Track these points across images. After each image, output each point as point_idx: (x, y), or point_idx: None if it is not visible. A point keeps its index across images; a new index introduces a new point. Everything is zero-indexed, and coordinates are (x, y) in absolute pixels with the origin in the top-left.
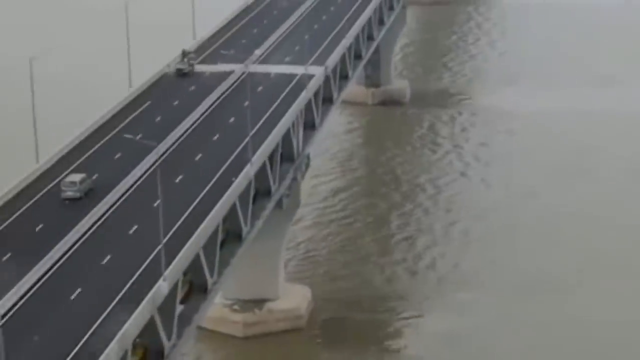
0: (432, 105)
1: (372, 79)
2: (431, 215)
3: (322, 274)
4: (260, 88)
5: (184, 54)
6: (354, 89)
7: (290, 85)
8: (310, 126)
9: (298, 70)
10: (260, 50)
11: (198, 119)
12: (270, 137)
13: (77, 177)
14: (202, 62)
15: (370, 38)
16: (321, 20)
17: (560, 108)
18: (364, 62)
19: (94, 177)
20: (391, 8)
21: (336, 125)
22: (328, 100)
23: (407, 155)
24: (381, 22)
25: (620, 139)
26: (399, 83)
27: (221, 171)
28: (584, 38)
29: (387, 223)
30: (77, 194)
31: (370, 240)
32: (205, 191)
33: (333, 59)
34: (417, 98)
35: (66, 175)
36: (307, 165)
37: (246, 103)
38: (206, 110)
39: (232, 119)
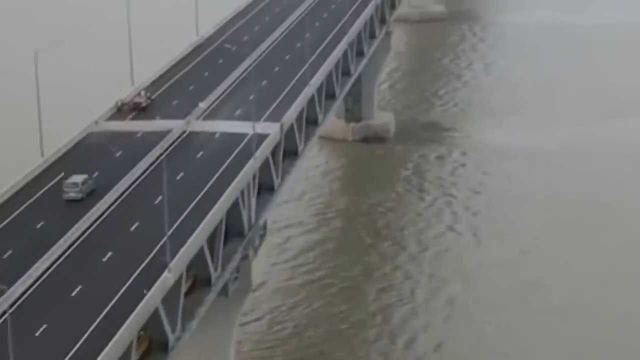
0: (419, 141)
1: (353, 113)
2: (413, 279)
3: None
4: (200, 154)
5: (119, 106)
6: (333, 123)
7: (238, 149)
8: (268, 188)
9: (249, 128)
10: (207, 102)
11: (111, 205)
12: (197, 233)
13: (79, 178)
14: (138, 116)
15: (347, 73)
16: (288, 57)
17: (564, 145)
18: (337, 102)
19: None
20: (372, 36)
21: (312, 165)
22: (292, 154)
23: (389, 202)
24: (360, 54)
25: (633, 180)
26: (382, 117)
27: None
28: (586, 62)
29: (363, 289)
30: (79, 195)
31: (344, 311)
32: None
33: (290, 116)
34: (402, 133)
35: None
36: (264, 236)
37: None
38: (122, 194)
39: (158, 200)
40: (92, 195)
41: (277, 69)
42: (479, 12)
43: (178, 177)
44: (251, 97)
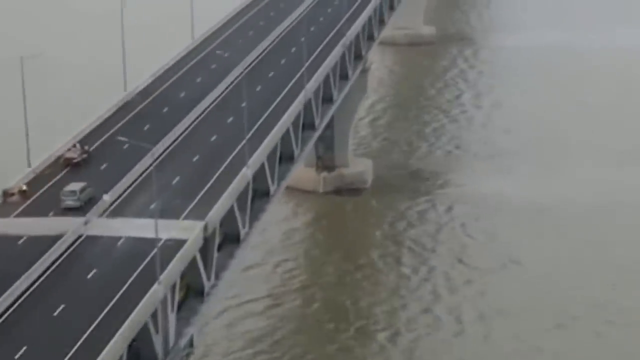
0: (399, 193)
1: (325, 160)
2: None
3: None
4: (93, 272)
5: (5, 194)
6: (302, 172)
7: (144, 263)
8: (198, 293)
9: (163, 230)
10: (112, 194)
11: None
12: None
13: (76, 186)
14: (26, 211)
15: (311, 127)
16: (231, 119)
17: (567, 198)
18: (296, 165)
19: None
20: (345, 77)
21: (274, 222)
22: (234, 240)
23: (359, 274)
24: (329, 100)
25: None
26: (358, 164)
27: None
28: (590, 93)
29: None
30: (77, 203)
31: None
32: None
33: (217, 212)
34: (381, 183)
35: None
36: (190, 354)
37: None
38: None
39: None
40: (90, 203)
41: (214, 138)
42: (471, 33)
43: (56, 313)
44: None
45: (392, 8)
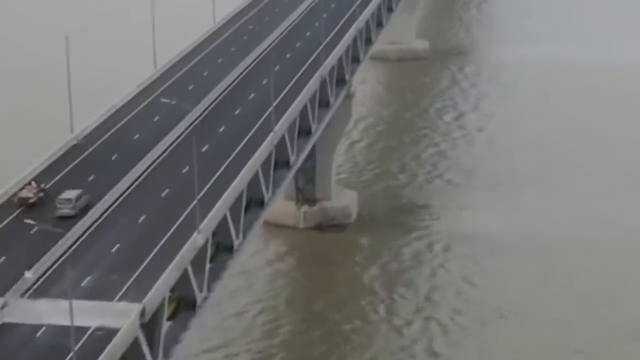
0: (390, 229)
1: (305, 193)
2: None
3: None
4: None
5: None
6: (281, 206)
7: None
8: None
9: (93, 315)
10: (34, 272)
11: None
12: None
13: (72, 194)
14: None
15: (286, 165)
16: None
17: (579, 236)
18: (266, 210)
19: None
20: (326, 105)
21: (250, 261)
22: (190, 305)
23: (345, 326)
24: (307, 133)
25: None
26: (342, 196)
27: None
28: (597, 115)
29: None
30: (73, 212)
31: None
32: None
33: (160, 289)
34: (369, 217)
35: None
36: None
37: None
38: None
39: None
40: (86, 211)
41: (165, 193)
42: (467, 47)
43: None
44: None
45: (380, 25)
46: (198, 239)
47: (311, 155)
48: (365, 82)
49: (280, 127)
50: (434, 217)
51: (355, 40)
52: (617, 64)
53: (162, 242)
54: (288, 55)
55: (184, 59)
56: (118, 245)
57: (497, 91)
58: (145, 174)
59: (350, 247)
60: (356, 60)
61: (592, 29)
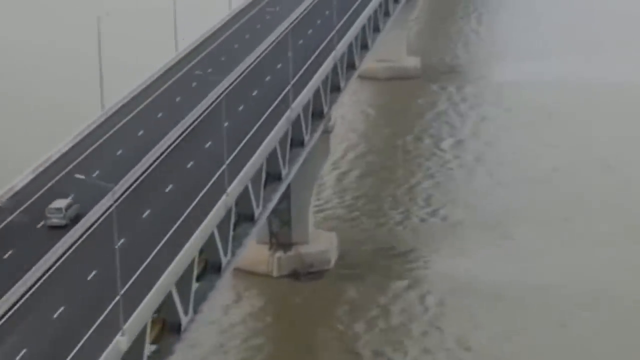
0: (371, 277)
1: (280, 237)
2: None
3: None
4: None
5: None
6: (253, 251)
7: None
8: None
9: None
10: None
11: None
12: None
13: (62, 203)
14: None
15: (250, 219)
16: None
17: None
18: (224, 275)
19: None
20: (300, 144)
21: (221, 316)
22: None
23: None
24: (277, 178)
25: None
26: (320, 239)
27: None
28: (620, 144)
29: None
30: (63, 222)
31: None
32: None
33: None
34: (347, 263)
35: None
36: None
37: None
38: None
39: None
40: (77, 221)
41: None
42: (462, 65)
43: None
44: None
45: (365, 47)
46: (121, 340)
47: (286, 196)
48: (352, 104)
49: (241, 178)
50: (425, 263)
51: (335, 67)
52: (632, 82)
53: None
54: (255, 93)
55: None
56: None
57: (498, 116)
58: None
59: (330, 299)
60: (336, 89)
61: (602, 41)
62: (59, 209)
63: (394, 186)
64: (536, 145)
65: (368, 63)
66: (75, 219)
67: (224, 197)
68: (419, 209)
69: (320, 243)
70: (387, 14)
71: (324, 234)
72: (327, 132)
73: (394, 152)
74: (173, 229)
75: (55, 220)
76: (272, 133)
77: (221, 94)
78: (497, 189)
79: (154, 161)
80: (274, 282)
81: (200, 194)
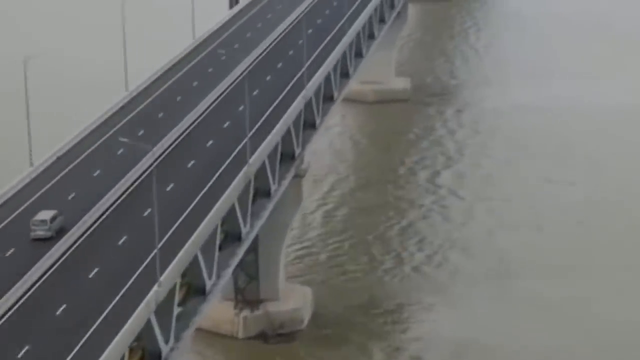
0: (349, 339)
1: (246, 294)
2: None
3: None
4: None
5: None
6: (216, 309)
7: None
8: None
9: None
10: None
11: None
12: None
13: (47, 214)
14: None
15: (201, 292)
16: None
17: None
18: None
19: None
20: (267, 195)
21: None
22: None
23: None
24: (237, 238)
25: None
26: (291, 295)
27: None
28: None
29: None
30: (49, 234)
31: None
32: None
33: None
34: (324, 322)
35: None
36: None
37: None
38: None
39: None
40: (62, 233)
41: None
42: (460, 85)
43: None
44: None
45: (346, 76)
46: None
47: (253, 247)
48: (338, 130)
49: (193, 241)
50: (416, 323)
51: (310, 101)
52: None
53: None
54: (209, 144)
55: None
56: None
57: (499, 145)
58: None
59: None
60: (311, 125)
61: (612, 61)
62: (43, 221)
63: (384, 227)
64: (542, 180)
65: (354, 84)
66: (61, 231)
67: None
68: (410, 254)
69: (292, 300)
70: (371, 36)
71: (298, 288)
72: (298, 176)
73: (384, 186)
74: None
75: (40, 233)
76: (229, 190)
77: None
78: (498, 232)
79: None
80: (239, 345)
81: None
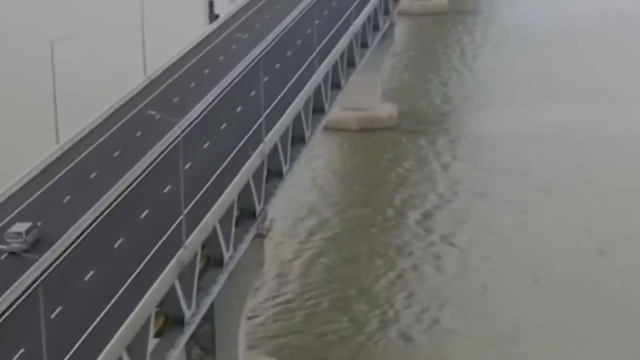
0: None
1: None
2: None
3: None
4: None
5: None
6: None
7: None
8: None
9: None
10: None
11: None
12: None
13: (22, 227)
14: None
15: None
16: None
17: None
18: None
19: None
20: (219, 264)
21: None
22: None
23: None
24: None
25: None
26: None
27: None
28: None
29: None
30: (24, 246)
31: None
32: None
33: None
34: None
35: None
36: None
37: None
38: None
39: None
40: (37, 246)
41: None
42: (449, 112)
43: None
44: None
45: (321, 112)
46: None
47: (209, 317)
48: (320, 163)
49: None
50: None
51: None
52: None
53: None
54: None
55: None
56: None
57: (497, 183)
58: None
59: None
60: (278, 174)
61: (624, 81)
62: (18, 234)
63: (369, 279)
64: (547, 225)
65: (336, 111)
66: (36, 244)
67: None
68: (396, 313)
69: None
70: (351, 64)
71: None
72: (261, 236)
73: (370, 231)
74: None
75: (15, 245)
76: (168, 268)
77: None
78: (498, 287)
79: None
80: None
81: None
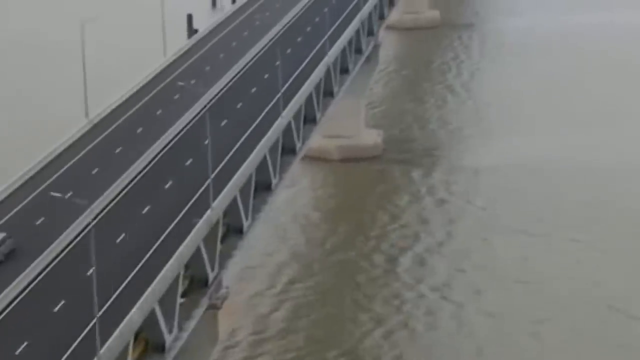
0: None
1: None
2: None
3: None
4: None
5: None
6: None
7: None
8: None
9: None
10: None
11: None
12: None
13: None
14: None
15: None
16: None
17: None
18: None
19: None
20: (160, 349)
21: None
22: None
23: None
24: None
25: None
26: None
27: None
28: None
29: None
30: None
31: None
32: None
33: None
34: None
35: None
36: None
37: None
38: None
39: None
40: (12, 257)
41: None
42: (443, 139)
43: None
44: None
45: (292, 153)
46: None
47: None
48: (297, 201)
49: None
50: None
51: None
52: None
53: None
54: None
55: None
56: None
57: (493, 224)
58: None
59: None
60: (238, 232)
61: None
62: None
63: (354, 340)
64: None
65: (319, 139)
66: (10, 254)
67: None
68: None
69: None
70: (328, 93)
71: None
72: (214, 308)
73: (357, 282)
74: None
75: None
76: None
77: None
78: (491, 348)
79: None
80: None
81: None
